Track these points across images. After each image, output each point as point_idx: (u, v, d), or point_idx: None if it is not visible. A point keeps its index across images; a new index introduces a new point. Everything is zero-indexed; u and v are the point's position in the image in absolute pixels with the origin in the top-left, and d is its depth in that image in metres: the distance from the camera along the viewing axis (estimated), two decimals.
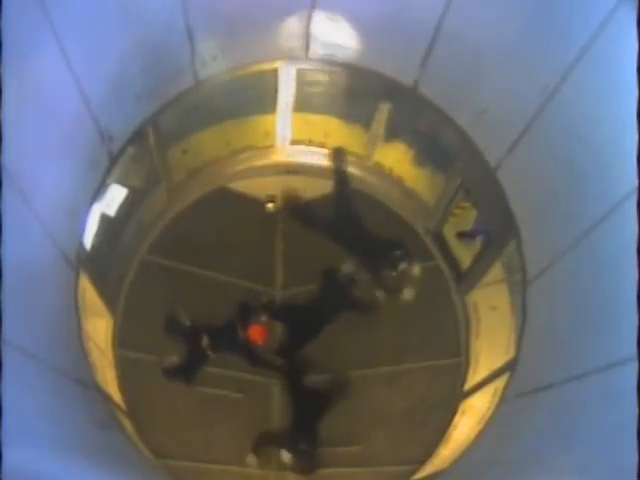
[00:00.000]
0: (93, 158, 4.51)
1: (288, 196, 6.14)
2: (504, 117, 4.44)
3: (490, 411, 4.73)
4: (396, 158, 5.92)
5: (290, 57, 5.16)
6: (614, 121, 3.41)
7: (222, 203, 6.00)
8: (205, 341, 5.57)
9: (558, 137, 4.00)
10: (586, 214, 3.75)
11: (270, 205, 6.12)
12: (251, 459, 5.46)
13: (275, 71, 5.29)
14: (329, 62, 5.22)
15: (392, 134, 5.77)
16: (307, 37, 4.95)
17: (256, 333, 5.63)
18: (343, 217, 5.97)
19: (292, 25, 4.82)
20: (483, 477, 4.24)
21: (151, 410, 5.33)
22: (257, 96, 5.56)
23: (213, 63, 4.95)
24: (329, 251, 5.91)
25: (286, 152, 6.13)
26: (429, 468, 5.23)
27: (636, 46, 2.94)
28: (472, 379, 5.45)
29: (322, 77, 5.40)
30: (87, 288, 4.74)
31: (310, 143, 6.10)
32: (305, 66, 5.28)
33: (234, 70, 5.10)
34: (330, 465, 5.50)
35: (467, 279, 5.68)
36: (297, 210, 6.04)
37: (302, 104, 5.72)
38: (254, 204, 6.10)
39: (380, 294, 5.88)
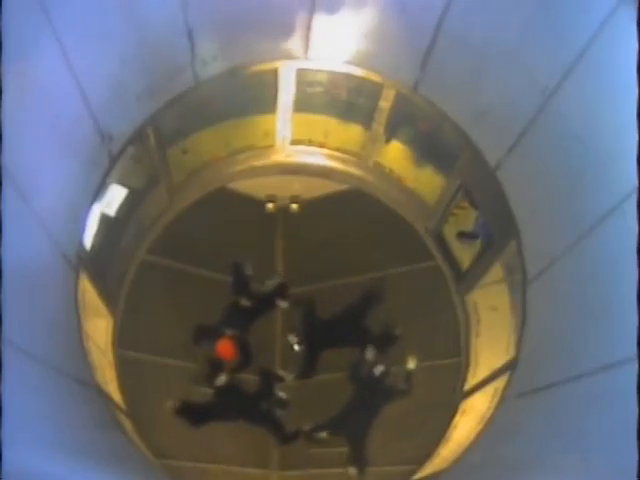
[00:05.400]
0: (93, 158, 4.51)
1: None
2: (504, 117, 4.44)
3: (490, 411, 4.74)
4: (396, 158, 5.91)
5: (290, 57, 5.16)
6: (614, 121, 3.41)
7: (222, 203, 5.99)
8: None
9: (558, 137, 4.00)
10: (586, 214, 3.76)
11: (270, 205, 6.12)
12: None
13: (275, 71, 5.29)
14: (329, 62, 5.22)
15: (392, 134, 5.76)
16: (307, 37, 4.95)
17: (224, 349, 5.53)
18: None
19: (292, 25, 4.82)
20: (483, 477, 4.24)
21: (151, 410, 5.33)
22: (257, 96, 5.55)
23: (213, 63, 4.95)
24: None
25: (286, 152, 6.12)
26: (429, 468, 5.24)
27: (636, 46, 2.94)
28: (472, 379, 5.45)
29: (322, 77, 5.39)
30: (87, 288, 4.74)
31: (310, 143, 6.09)
32: (305, 66, 5.28)
33: (234, 70, 5.10)
34: (330, 465, 5.51)
35: (467, 279, 5.67)
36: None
37: (302, 104, 5.72)
38: (254, 204, 6.09)
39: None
